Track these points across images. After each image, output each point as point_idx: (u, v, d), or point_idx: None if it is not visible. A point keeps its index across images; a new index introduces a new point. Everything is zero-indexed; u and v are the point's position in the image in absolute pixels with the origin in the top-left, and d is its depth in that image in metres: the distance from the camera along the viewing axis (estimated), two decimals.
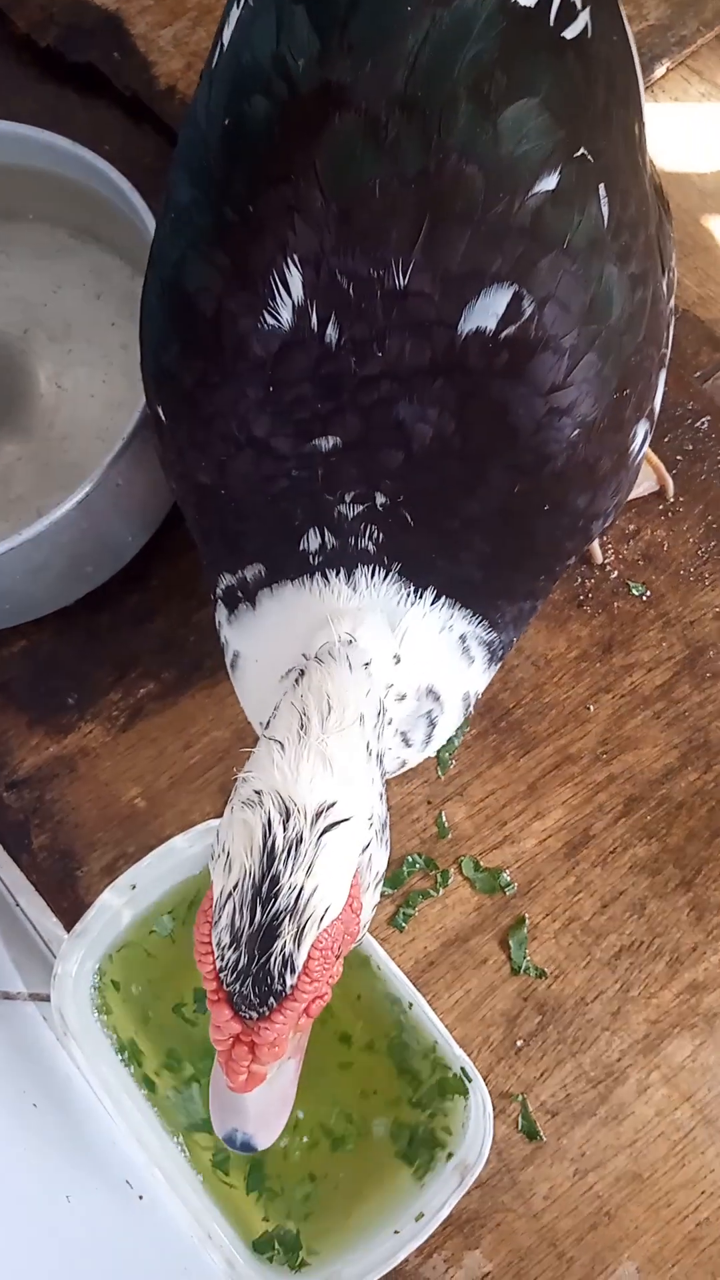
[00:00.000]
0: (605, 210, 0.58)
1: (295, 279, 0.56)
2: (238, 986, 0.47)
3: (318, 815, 0.48)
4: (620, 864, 0.82)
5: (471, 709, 0.66)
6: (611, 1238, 0.74)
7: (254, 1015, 0.47)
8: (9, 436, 0.91)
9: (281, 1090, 0.51)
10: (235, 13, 0.62)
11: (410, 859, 0.82)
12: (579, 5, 0.59)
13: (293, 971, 0.47)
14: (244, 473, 0.60)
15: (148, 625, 0.89)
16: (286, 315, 0.57)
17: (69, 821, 0.84)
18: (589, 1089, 0.77)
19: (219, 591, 0.64)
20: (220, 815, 0.81)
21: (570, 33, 0.59)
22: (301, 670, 0.56)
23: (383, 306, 0.56)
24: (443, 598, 0.61)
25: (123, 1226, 0.62)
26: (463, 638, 0.62)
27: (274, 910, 0.46)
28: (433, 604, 0.61)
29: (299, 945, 0.47)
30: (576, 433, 0.58)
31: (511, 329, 0.56)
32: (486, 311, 0.55)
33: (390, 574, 0.60)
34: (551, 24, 0.58)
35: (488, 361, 0.56)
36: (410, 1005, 0.71)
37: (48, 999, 0.71)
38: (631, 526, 0.89)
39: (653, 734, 0.84)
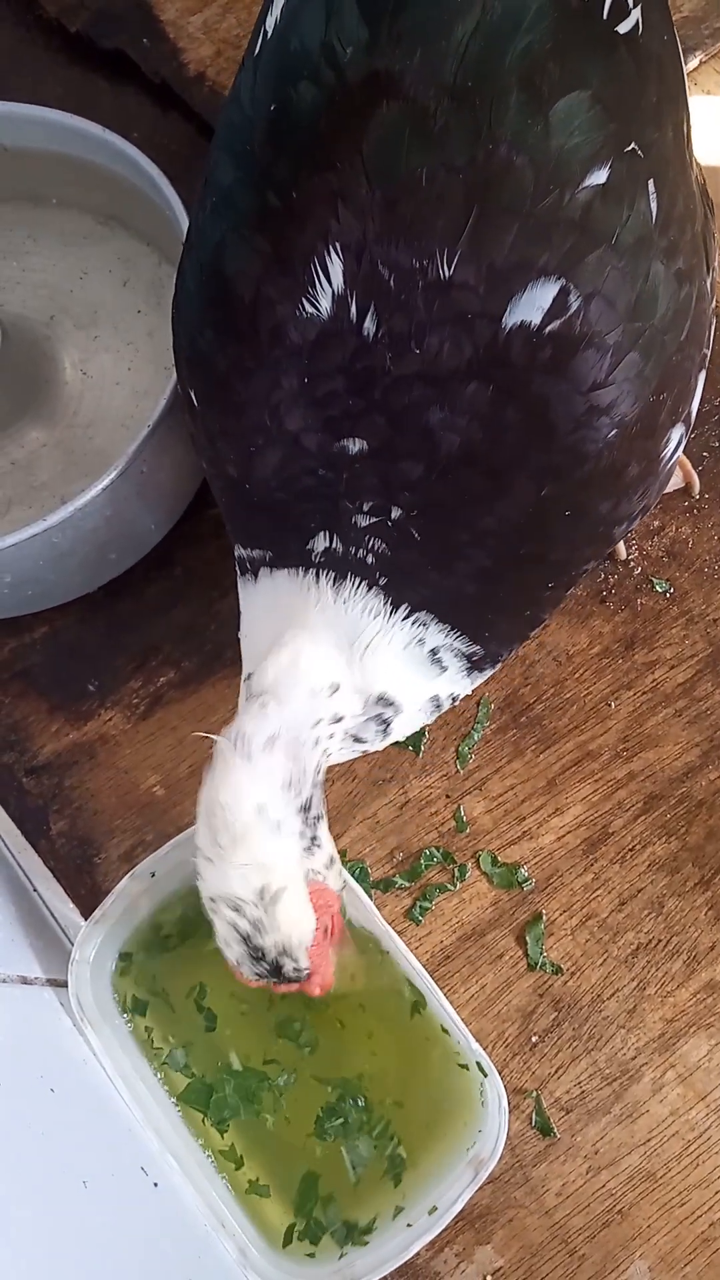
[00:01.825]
0: (654, 206, 0.57)
1: (336, 267, 0.56)
2: (276, 980, 0.63)
3: (260, 898, 0.59)
4: (639, 862, 0.81)
5: (449, 706, 0.67)
6: (624, 1236, 0.74)
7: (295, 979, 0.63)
8: (34, 423, 0.91)
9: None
10: (280, 1, 0.61)
11: (428, 853, 0.82)
12: (630, 3, 0.58)
13: (302, 969, 0.62)
14: (272, 468, 0.60)
15: (170, 613, 0.89)
16: (326, 304, 0.56)
17: (88, 808, 0.84)
18: (604, 1086, 0.77)
19: (236, 555, 0.67)
20: None
21: (623, 28, 0.58)
22: (228, 737, 0.61)
23: (424, 298, 0.55)
24: (420, 612, 0.63)
25: (138, 1213, 0.62)
26: (434, 650, 0.64)
27: (271, 959, 0.61)
28: (405, 619, 0.62)
29: (299, 959, 0.61)
30: (614, 434, 0.58)
31: (556, 324, 0.55)
32: (532, 305, 0.55)
33: (374, 588, 0.62)
34: (605, 17, 0.57)
35: (530, 356, 0.56)
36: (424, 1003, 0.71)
37: (65, 985, 0.71)
38: (656, 523, 0.89)
39: (674, 732, 0.84)
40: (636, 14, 0.58)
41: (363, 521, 0.60)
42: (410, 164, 0.55)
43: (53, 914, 0.80)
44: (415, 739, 0.84)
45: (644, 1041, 0.77)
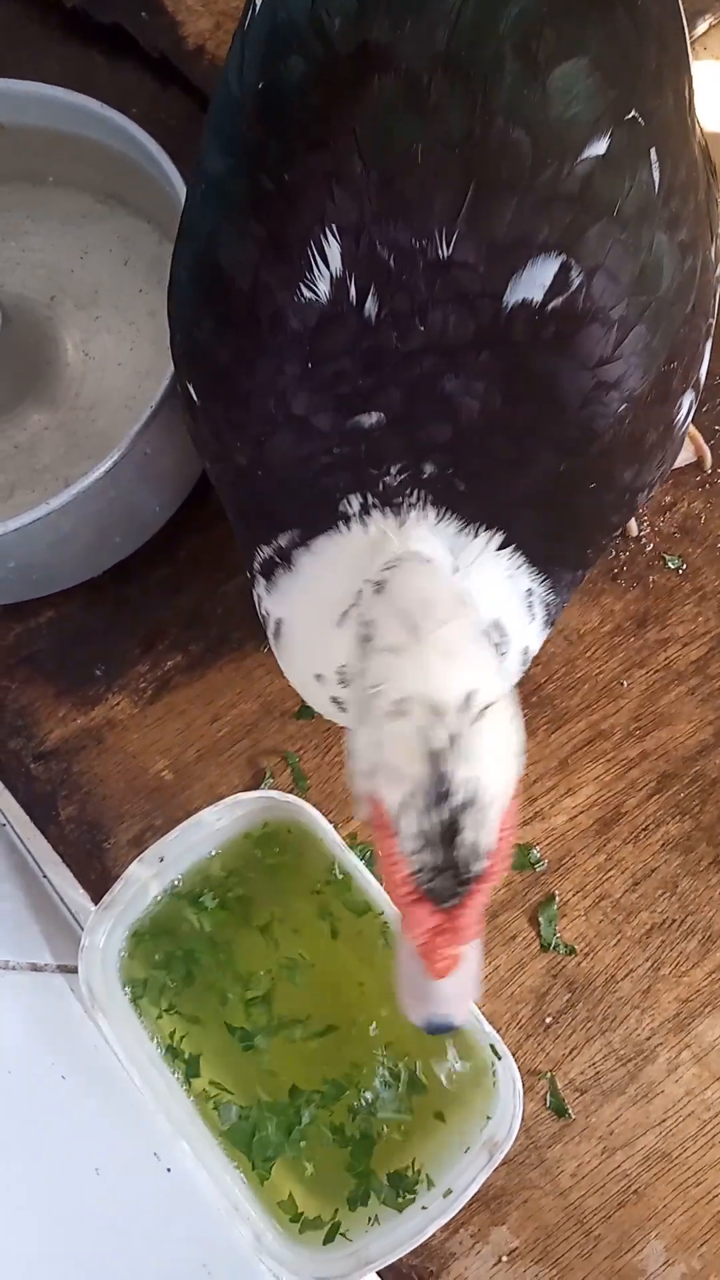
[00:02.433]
0: (656, 175, 0.56)
1: (334, 250, 0.54)
2: (433, 883, 0.48)
3: (465, 706, 0.47)
4: (652, 841, 0.80)
5: (524, 670, 0.64)
6: (639, 1216, 0.74)
7: (451, 904, 0.48)
8: (35, 405, 0.90)
9: (471, 968, 0.52)
10: None
11: None
12: None
13: (482, 857, 0.48)
14: (283, 452, 0.58)
15: (175, 597, 0.88)
16: (324, 288, 0.55)
17: (96, 793, 0.84)
18: (618, 1067, 0.76)
19: (256, 566, 0.63)
20: (249, 789, 0.81)
21: None
22: (378, 582, 0.52)
23: (425, 278, 0.54)
24: (509, 548, 0.58)
25: (151, 1199, 0.62)
26: (529, 591, 0.59)
27: (452, 806, 0.47)
28: (499, 550, 0.58)
29: (484, 831, 0.47)
30: (624, 407, 0.56)
31: (559, 300, 0.54)
32: (533, 282, 0.53)
33: (448, 517, 0.57)
34: None
35: (534, 334, 0.54)
36: None
37: (75, 971, 0.71)
38: (668, 498, 0.87)
39: (687, 710, 0.83)
40: None
41: (394, 480, 0.57)
42: (405, 141, 0.53)
43: (62, 899, 0.80)
44: None
45: (658, 1022, 0.77)
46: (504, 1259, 0.74)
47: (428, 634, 0.48)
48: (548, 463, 0.57)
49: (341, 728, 0.84)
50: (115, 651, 0.87)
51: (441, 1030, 0.51)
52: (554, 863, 0.80)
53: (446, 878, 0.48)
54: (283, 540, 0.60)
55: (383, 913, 0.72)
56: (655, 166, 0.56)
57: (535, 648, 0.63)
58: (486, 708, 0.48)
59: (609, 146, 0.54)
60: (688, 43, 0.63)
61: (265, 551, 0.61)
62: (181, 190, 0.80)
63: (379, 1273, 0.71)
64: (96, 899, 0.79)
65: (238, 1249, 0.65)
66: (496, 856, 0.48)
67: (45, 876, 0.81)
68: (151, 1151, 0.64)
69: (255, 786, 0.83)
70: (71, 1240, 0.52)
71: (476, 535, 0.57)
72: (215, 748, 0.84)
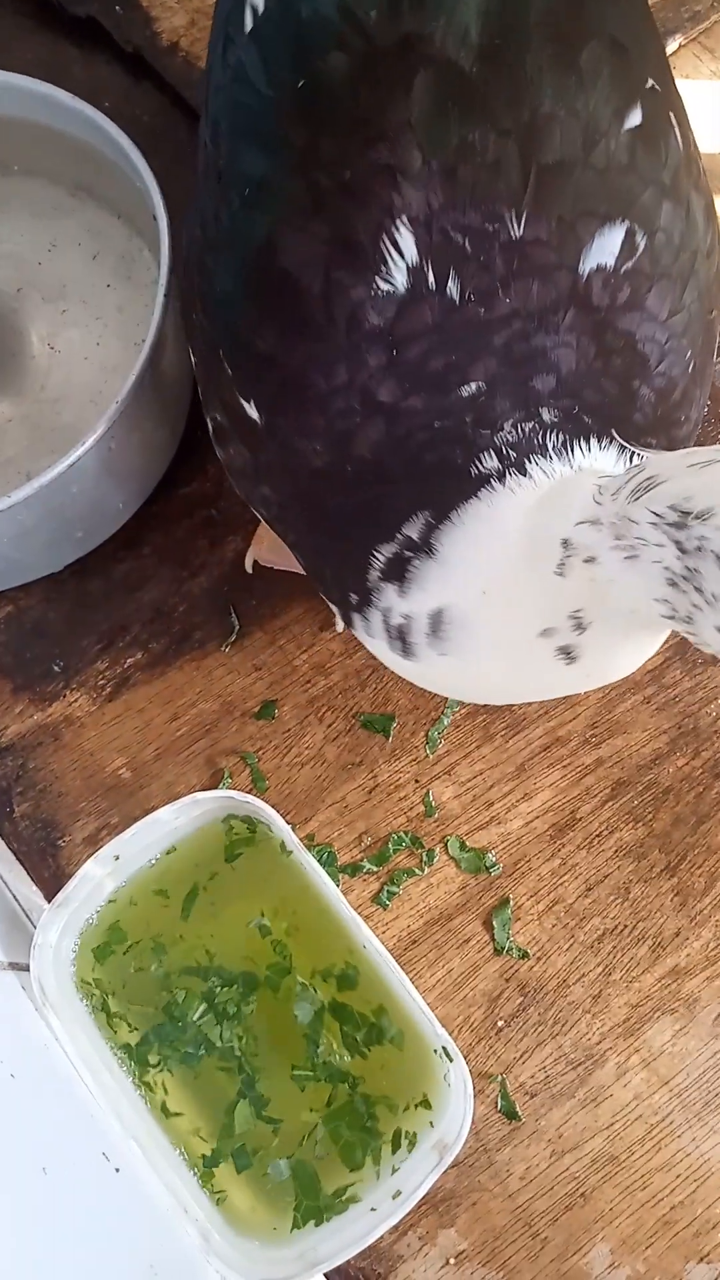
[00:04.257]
0: (680, 140, 0.60)
1: (407, 240, 0.55)
2: None
3: None
4: (606, 847, 0.81)
5: None
6: (586, 1219, 0.75)
7: None
8: (0, 397, 0.90)
9: None
10: None
11: (396, 837, 0.81)
12: None
13: None
14: (374, 440, 0.57)
15: (138, 594, 0.88)
16: (401, 278, 0.56)
17: (52, 790, 0.83)
18: (568, 1071, 0.77)
19: (376, 575, 0.58)
20: (207, 788, 0.81)
21: None
22: (698, 512, 0.46)
23: (503, 258, 0.56)
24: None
25: (99, 1199, 0.62)
26: None
27: None
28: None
29: None
30: (689, 353, 0.60)
31: (629, 263, 0.57)
32: (604, 250, 0.57)
33: (605, 444, 0.55)
34: None
35: (611, 298, 0.57)
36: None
37: (27, 969, 0.70)
38: None
39: (642, 718, 0.84)
40: None
41: (518, 434, 0.55)
42: (461, 131, 0.55)
43: (15, 897, 0.79)
44: (385, 723, 0.84)
45: (609, 1026, 0.78)
46: (451, 1261, 0.74)
47: None
48: (646, 400, 0.59)
49: (302, 732, 0.84)
50: (75, 648, 0.86)
51: None
52: (509, 867, 0.81)
53: None
54: (411, 530, 0.57)
55: (340, 914, 0.72)
56: (678, 131, 0.60)
57: None
58: None
59: (642, 116, 0.57)
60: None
61: (387, 551, 0.58)
62: (153, 185, 0.79)
63: (326, 1274, 0.71)
64: (50, 897, 0.78)
65: (185, 1250, 0.65)
66: None
67: None
68: (100, 1152, 0.64)
69: (214, 786, 0.82)
70: (18, 1239, 0.52)
71: (634, 456, 0.56)
72: (174, 747, 0.84)
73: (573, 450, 0.56)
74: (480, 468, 0.55)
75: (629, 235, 0.57)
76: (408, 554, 0.57)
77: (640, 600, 0.50)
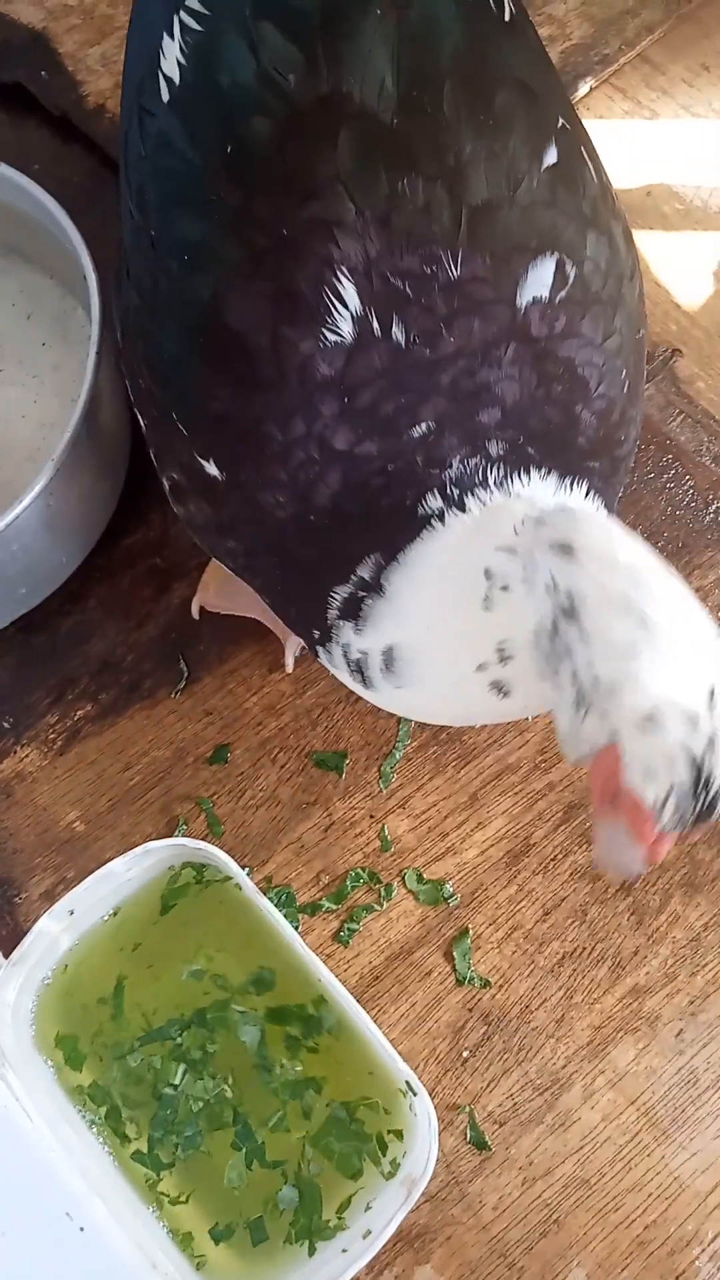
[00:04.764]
0: (593, 173, 0.64)
1: (349, 290, 0.57)
2: (674, 825, 0.48)
3: (712, 702, 0.46)
4: (561, 871, 0.82)
5: None
6: (560, 1245, 0.75)
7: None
8: None
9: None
10: (173, 44, 0.61)
11: (354, 874, 0.82)
12: None
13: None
14: (334, 489, 0.59)
15: (85, 646, 0.88)
16: (347, 327, 0.57)
17: (6, 847, 0.83)
18: (535, 1097, 0.77)
19: (333, 614, 0.60)
20: (162, 836, 0.81)
21: (507, 15, 0.63)
22: (560, 545, 0.48)
23: (443, 297, 0.58)
24: (591, 494, 0.59)
25: (61, 1260, 0.61)
26: None
27: (711, 793, 0.47)
28: (586, 497, 0.58)
29: None
30: (624, 373, 0.63)
31: (563, 293, 0.60)
32: (539, 282, 0.59)
33: (543, 474, 0.57)
34: (494, 8, 0.62)
35: (550, 327, 0.59)
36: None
37: None
38: None
39: None
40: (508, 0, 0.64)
41: (465, 469, 0.57)
42: (390, 180, 0.57)
43: None
44: (338, 760, 0.85)
45: (573, 1050, 0.78)
46: None
47: (655, 621, 0.46)
48: (588, 424, 0.61)
49: (256, 774, 0.84)
50: (23, 703, 0.86)
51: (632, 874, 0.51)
52: (466, 896, 0.82)
53: (689, 825, 0.48)
54: (363, 571, 0.59)
55: (300, 956, 0.72)
56: (589, 165, 0.64)
57: None
58: None
59: (558, 154, 0.61)
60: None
61: (342, 592, 0.60)
62: (82, 247, 0.81)
63: None
64: (7, 954, 0.77)
65: None
66: None
67: None
68: (64, 1211, 0.63)
69: (169, 834, 0.83)
70: None
71: (573, 487, 0.58)
72: (128, 796, 0.84)
73: (512, 481, 0.57)
74: (425, 508, 0.57)
75: (560, 266, 0.59)
76: (361, 594, 0.59)
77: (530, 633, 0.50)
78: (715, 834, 0.83)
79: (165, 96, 0.62)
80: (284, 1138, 0.71)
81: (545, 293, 0.59)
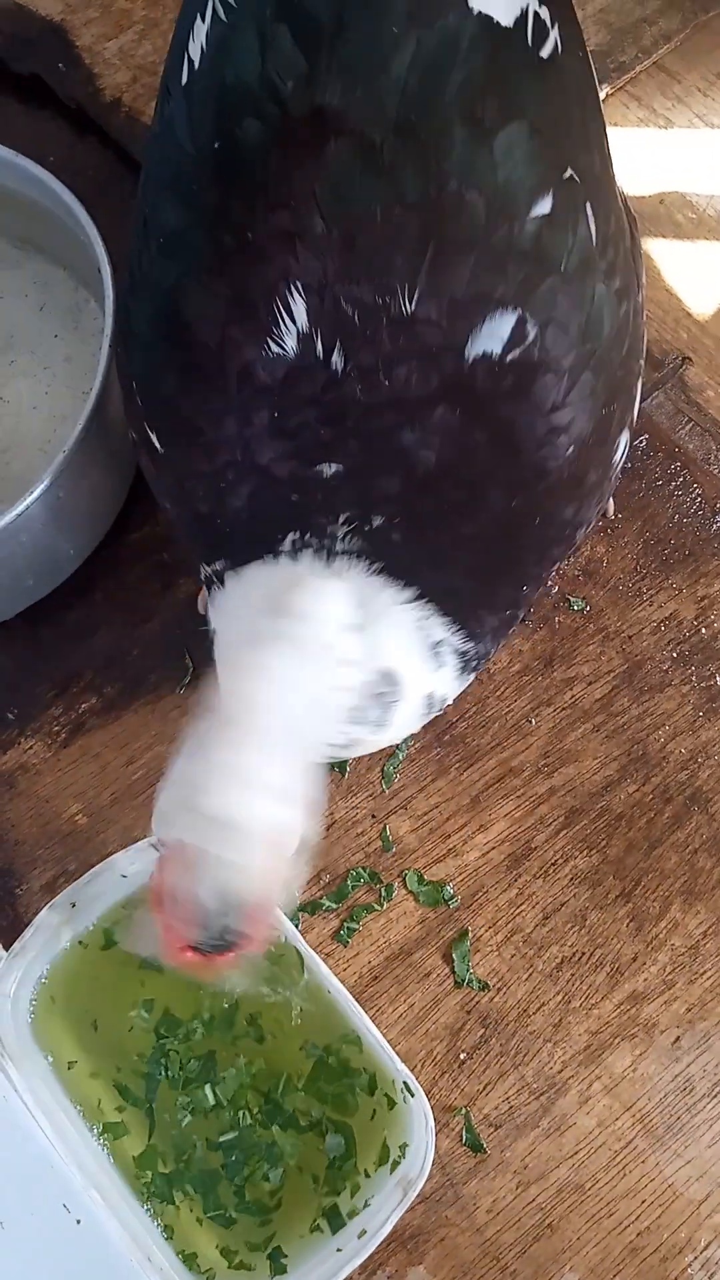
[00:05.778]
0: (593, 229, 0.60)
1: (299, 306, 0.56)
2: (201, 944, 0.57)
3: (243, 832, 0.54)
4: (561, 876, 0.82)
5: (437, 711, 0.66)
6: (554, 1249, 0.75)
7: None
8: None
9: None
10: (202, 27, 0.60)
11: (354, 873, 0.82)
12: (549, 24, 0.59)
13: (242, 938, 0.58)
14: (244, 500, 0.61)
15: (90, 640, 0.88)
16: (291, 342, 0.57)
17: (8, 839, 0.83)
18: (531, 1100, 0.77)
19: (202, 579, 0.66)
20: None
21: (545, 52, 0.59)
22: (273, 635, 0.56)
23: (389, 333, 0.56)
24: (423, 600, 0.61)
25: (59, 1251, 0.61)
26: (438, 643, 0.63)
27: (224, 922, 0.56)
28: (411, 602, 0.61)
29: (247, 925, 0.57)
30: (572, 449, 0.60)
31: (516, 352, 0.57)
32: (493, 336, 0.56)
33: (372, 567, 0.60)
34: (529, 44, 0.58)
35: (494, 385, 0.57)
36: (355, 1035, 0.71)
37: None
38: None
39: (593, 747, 0.85)
40: (555, 34, 0.60)
41: (339, 531, 0.60)
42: (364, 201, 0.55)
43: None
44: (340, 760, 0.85)
45: (570, 1054, 0.78)
46: None
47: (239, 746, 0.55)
48: (496, 502, 0.60)
49: None
50: (29, 695, 0.86)
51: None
52: (467, 899, 0.82)
53: (211, 949, 0.57)
54: (218, 565, 0.64)
55: (297, 949, 0.72)
56: (591, 220, 0.60)
57: (447, 692, 0.66)
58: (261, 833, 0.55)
59: (553, 205, 0.57)
60: (600, 99, 0.67)
61: (205, 570, 0.65)
62: (97, 239, 0.81)
63: None
64: (7, 945, 0.77)
65: None
66: (255, 932, 0.58)
67: None
68: (61, 1203, 0.63)
69: None
70: None
71: (389, 588, 0.60)
72: (130, 791, 0.84)
73: (348, 569, 0.60)
74: (280, 541, 0.61)
75: (520, 324, 0.56)
76: (213, 579, 0.65)
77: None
78: (715, 843, 0.83)
79: (184, 79, 0.62)
80: (294, 1097, 0.72)
81: (498, 348, 0.56)
